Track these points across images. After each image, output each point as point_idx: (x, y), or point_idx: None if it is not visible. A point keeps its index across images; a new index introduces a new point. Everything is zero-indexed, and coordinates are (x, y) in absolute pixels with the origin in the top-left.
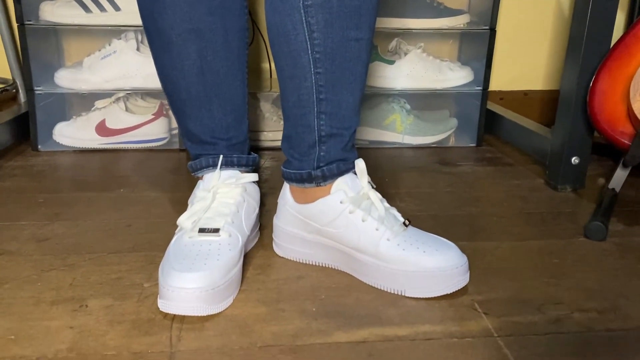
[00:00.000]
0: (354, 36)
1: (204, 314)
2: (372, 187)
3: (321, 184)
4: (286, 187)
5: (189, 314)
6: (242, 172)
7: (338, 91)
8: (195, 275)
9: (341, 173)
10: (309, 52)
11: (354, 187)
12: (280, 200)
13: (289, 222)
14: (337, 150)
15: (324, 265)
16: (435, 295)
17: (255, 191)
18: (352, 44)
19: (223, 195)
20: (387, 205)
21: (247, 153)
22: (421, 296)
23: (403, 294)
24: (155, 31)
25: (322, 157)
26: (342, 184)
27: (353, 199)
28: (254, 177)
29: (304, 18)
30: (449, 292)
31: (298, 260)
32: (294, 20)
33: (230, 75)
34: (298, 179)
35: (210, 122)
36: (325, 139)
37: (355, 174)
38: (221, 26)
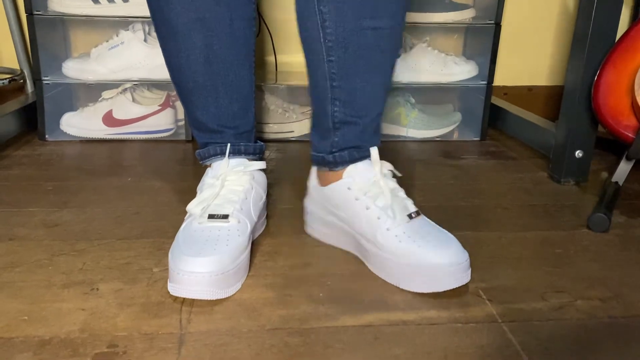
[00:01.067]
0: (369, 25)
1: (214, 298)
2: (394, 176)
3: (334, 169)
4: (314, 168)
5: (199, 298)
6: (249, 160)
7: (352, 79)
8: (205, 260)
9: (353, 160)
10: (322, 40)
11: (364, 174)
12: (308, 181)
13: (312, 202)
14: (352, 138)
15: (341, 248)
16: (426, 292)
17: (262, 179)
18: (368, 32)
19: (231, 182)
20: (402, 195)
21: (253, 141)
22: (413, 290)
23: (398, 286)
24: (162, 20)
25: (336, 142)
26: (352, 170)
27: (360, 185)
28: (262, 164)
29: (316, 6)
30: (439, 291)
31: (322, 240)
32: (309, 7)
33: (236, 64)
34: (317, 162)
35: (217, 111)
36: (339, 126)
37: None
38: (227, 15)
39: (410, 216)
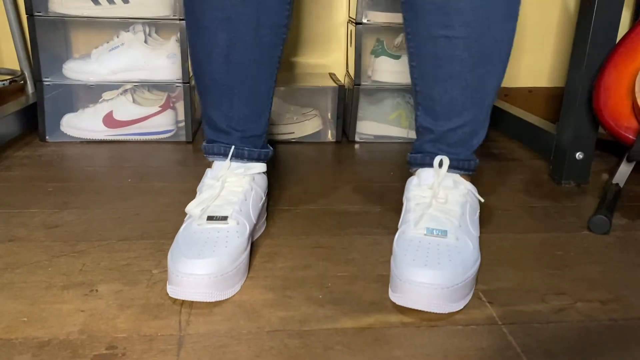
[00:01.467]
0: (442, 34)
1: (213, 300)
2: (475, 197)
3: (410, 169)
4: None
5: (198, 300)
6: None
7: (430, 86)
8: (204, 262)
9: (423, 165)
10: (408, 45)
11: (425, 180)
12: None
13: None
14: (426, 143)
15: None
16: (399, 304)
17: (262, 181)
18: (442, 41)
19: (231, 184)
20: (450, 210)
21: (261, 146)
22: (392, 299)
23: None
24: (191, 14)
25: (417, 145)
26: (419, 173)
27: (416, 188)
28: (262, 167)
29: (402, 14)
30: (408, 306)
31: None
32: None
33: (256, 69)
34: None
35: (229, 112)
36: (420, 129)
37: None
38: (254, 19)
39: (431, 231)
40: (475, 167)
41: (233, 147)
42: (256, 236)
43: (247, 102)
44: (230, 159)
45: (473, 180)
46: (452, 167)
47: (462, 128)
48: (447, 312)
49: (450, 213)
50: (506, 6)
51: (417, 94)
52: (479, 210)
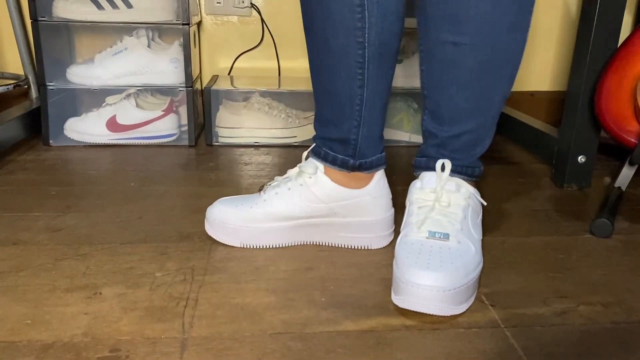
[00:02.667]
0: (450, 40)
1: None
2: (477, 200)
3: (414, 172)
4: None
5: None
6: (325, 166)
7: (437, 91)
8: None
9: (426, 169)
10: (419, 49)
11: (428, 184)
12: None
13: None
14: (430, 148)
15: None
16: (400, 306)
17: None
18: (449, 47)
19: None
20: (453, 213)
21: (345, 153)
22: (394, 302)
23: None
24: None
25: (422, 148)
26: (422, 176)
27: (418, 191)
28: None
29: (416, 18)
30: (407, 308)
31: None
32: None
33: (332, 70)
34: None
35: (318, 110)
36: (426, 134)
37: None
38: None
39: (433, 234)
40: (479, 174)
41: (315, 144)
42: None
43: (328, 103)
44: (310, 155)
45: (476, 184)
46: (456, 173)
47: (465, 135)
48: (449, 314)
49: (452, 216)
50: (516, 17)
51: (425, 97)
52: (481, 214)
